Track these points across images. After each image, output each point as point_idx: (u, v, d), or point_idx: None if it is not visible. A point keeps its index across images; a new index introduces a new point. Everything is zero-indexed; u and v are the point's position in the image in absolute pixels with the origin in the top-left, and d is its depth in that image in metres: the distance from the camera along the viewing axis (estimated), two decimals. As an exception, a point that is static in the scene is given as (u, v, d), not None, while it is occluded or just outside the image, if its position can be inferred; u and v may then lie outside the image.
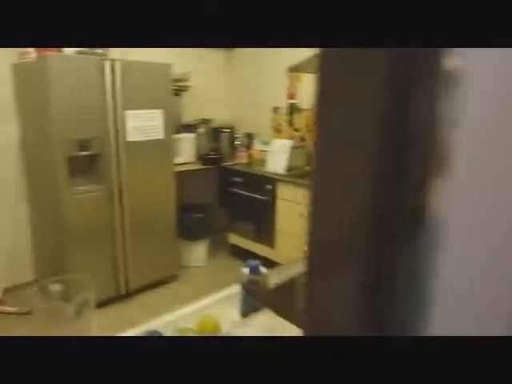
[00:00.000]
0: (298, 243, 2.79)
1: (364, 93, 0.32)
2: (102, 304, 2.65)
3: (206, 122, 3.56)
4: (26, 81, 2.56)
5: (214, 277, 3.23)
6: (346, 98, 0.33)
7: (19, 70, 2.62)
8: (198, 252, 3.32)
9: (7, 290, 2.77)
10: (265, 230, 3.14)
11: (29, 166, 2.77)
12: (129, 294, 2.79)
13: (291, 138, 3.33)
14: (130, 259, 2.72)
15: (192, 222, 3.22)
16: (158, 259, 2.91)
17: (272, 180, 3.01)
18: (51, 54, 2.28)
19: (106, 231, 2.59)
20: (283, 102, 3.46)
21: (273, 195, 3.02)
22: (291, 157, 3.04)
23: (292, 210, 2.88)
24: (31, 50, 2.60)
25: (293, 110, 3.39)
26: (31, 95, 2.50)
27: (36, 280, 2.98)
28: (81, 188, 2.47)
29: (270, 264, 1.49)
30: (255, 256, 3.11)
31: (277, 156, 3.08)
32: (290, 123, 3.44)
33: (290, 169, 3.02)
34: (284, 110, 3.47)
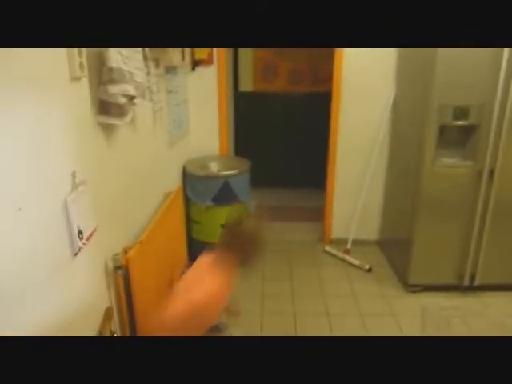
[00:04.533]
0: None
1: None
2: (435, 288, 2.45)
3: None
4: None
5: None
6: None
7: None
8: None
9: (353, 243, 2.99)
10: None
11: (395, 127, 2.77)
12: (471, 288, 2.45)
13: None
14: (483, 250, 2.34)
15: None
16: (516, 259, 2.40)
17: None
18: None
19: (464, 212, 2.30)
20: None
21: None
22: None
23: None
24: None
25: None
26: (415, 57, 2.41)
27: (377, 241, 3.09)
28: (447, 160, 2.25)
29: None
30: None
31: None
32: None
33: None
34: None
